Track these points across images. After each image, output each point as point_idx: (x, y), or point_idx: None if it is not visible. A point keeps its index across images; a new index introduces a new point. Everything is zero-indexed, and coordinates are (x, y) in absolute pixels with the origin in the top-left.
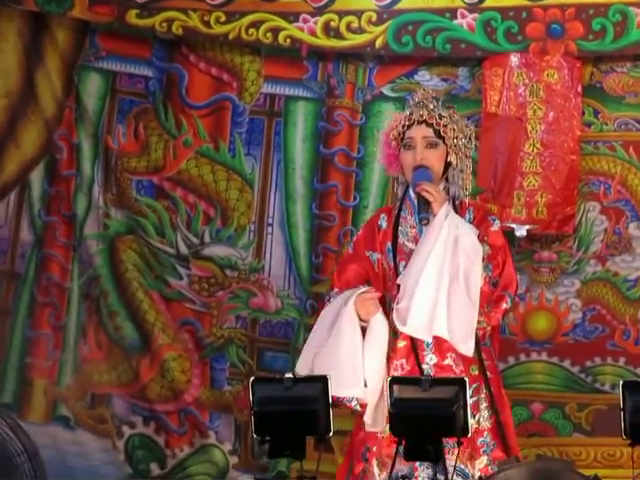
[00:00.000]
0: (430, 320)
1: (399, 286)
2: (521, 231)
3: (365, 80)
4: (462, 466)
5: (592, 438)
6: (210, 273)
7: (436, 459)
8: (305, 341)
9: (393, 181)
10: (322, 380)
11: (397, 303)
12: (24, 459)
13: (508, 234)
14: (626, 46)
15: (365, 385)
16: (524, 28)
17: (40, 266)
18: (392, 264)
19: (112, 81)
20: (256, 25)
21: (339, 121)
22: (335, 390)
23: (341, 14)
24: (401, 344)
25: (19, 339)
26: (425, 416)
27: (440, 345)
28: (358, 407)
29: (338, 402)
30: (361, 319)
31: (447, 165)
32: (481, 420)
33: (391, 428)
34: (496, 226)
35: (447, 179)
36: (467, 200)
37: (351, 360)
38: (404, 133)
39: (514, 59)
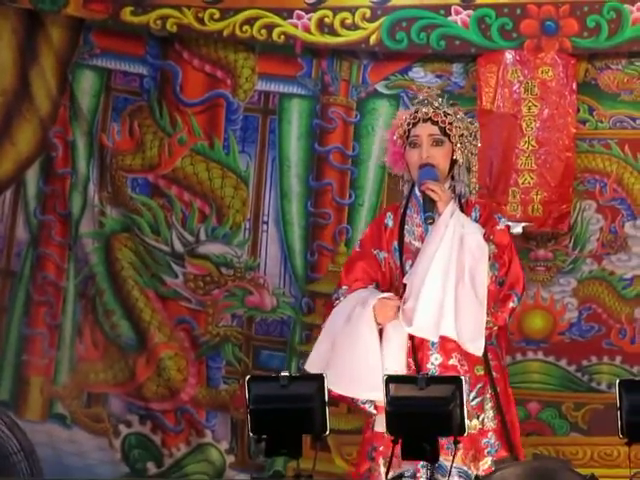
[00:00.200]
0: (437, 320)
1: (405, 285)
2: (517, 229)
3: (359, 77)
4: (465, 467)
5: (589, 437)
6: (205, 271)
7: (433, 458)
8: (301, 339)
9: (388, 179)
10: (318, 378)
11: (403, 303)
12: (20, 457)
13: None
14: (621, 43)
15: None
16: (518, 25)
17: (36, 265)
18: (398, 263)
19: (107, 79)
20: (250, 22)
21: (334, 118)
22: (353, 391)
23: (335, 10)
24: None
25: (15, 337)
26: (421, 415)
27: (445, 345)
28: (373, 409)
29: (352, 403)
30: (377, 322)
31: (453, 163)
32: (486, 420)
33: (388, 427)
34: (502, 224)
35: (453, 177)
36: (473, 198)
37: (370, 363)
38: (409, 131)
39: (508, 56)
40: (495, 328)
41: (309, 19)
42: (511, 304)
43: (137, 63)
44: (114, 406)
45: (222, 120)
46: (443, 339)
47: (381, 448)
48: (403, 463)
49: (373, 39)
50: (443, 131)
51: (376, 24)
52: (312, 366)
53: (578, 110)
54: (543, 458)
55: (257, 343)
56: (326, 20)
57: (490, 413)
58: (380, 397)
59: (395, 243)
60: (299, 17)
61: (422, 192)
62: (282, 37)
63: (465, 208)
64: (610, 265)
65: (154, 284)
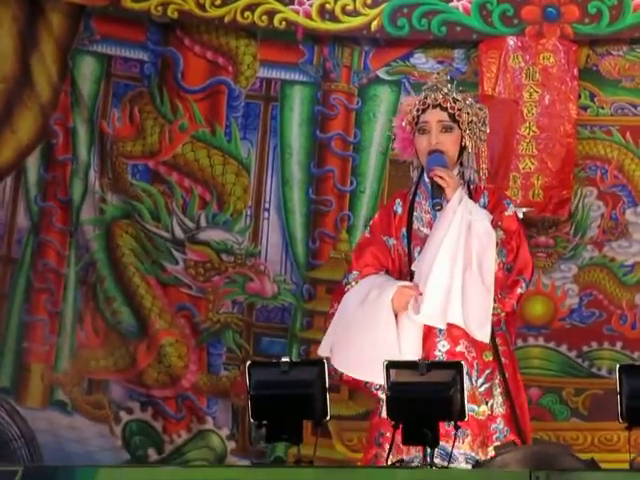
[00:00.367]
0: (444, 308)
1: (412, 272)
2: (517, 214)
3: (361, 63)
4: (473, 454)
5: (589, 423)
6: (206, 258)
7: (433, 443)
8: (302, 326)
9: (390, 165)
10: (319, 364)
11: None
12: (21, 444)
13: None
14: (622, 29)
15: None
16: (520, 11)
17: (36, 252)
18: (406, 250)
19: (107, 65)
20: (251, 8)
21: (335, 105)
22: (367, 375)
23: None
24: None
25: (16, 324)
26: (422, 400)
27: (452, 332)
28: (383, 395)
29: (362, 387)
30: (393, 309)
31: (462, 149)
32: (494, 406)
33: (388, 412)
34: (510, 210)
35: (462, 163)
36: (482, 184)
37: (386, 348)
38: (418, 117)
39: (510, 42)
40: (502, 314)
41: (310, 5)
42: (519, 290)
43: (138, 49)
44: (115, 393)
45: (223, 107)
46: (450, 326)
47: (388, 434)
48: (411, 449)
49: (374, 25)
50: (452, 117)
51: (377, 10)
52: (325, 350)
53: (579, 96)
54: (543, 443)
55: (258, 330)
56: (327, 6)
57: (499, 399)
58: None
59: (404, 230)
60: (300, 3)
61: (430, 179)
62: (283, 23)
63: (474, 194)
64: (611, 252)
65: (155, 271)
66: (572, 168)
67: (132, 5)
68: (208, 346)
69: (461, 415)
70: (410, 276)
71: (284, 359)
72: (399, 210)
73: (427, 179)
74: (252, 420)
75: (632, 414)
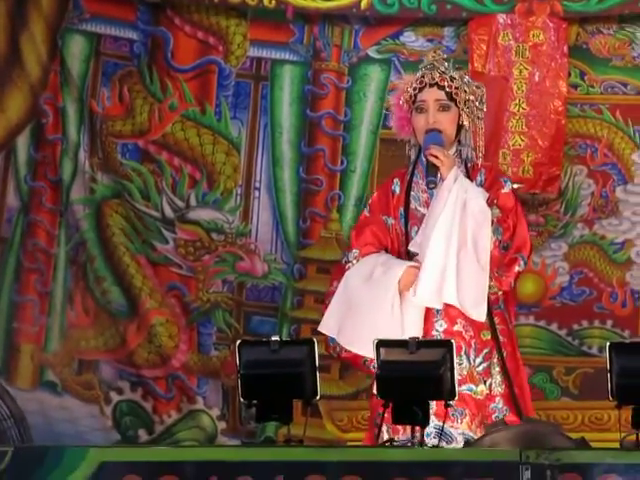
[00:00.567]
0: (439, 288)
1: (409, 252)
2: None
3: (351, 42)
4: (471, 433)
5: (579, 402)
6: (196, 237)
7: (423, 422)
8: (293, 305)
9: (380, 144)
10: (309, 343)
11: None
12: (11, 424)
13: None
14: (611, 7)
15: None
16: None
17: (26, 231)
18: (404, 229)
19: (97, 44)
20: None
21: (325, 84)
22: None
23: None
24: None
25: (5, 304)
26: (412, 379)
27: (449, 311)
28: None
29: (361, 365)
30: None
31: (460, 127)
32: (493, 385)
33: (378, 391)
34: (507, 188)
35: (460, 141)
36: (479, 162)
37: (391, 324)
38: (416, 96)
39: (500, 20)
40: (500, 293)
41: None
42: (517, 268)
43: (127, 28)
44: (105, 373)
45: (214, 86)
46: (447, 305)
47: (386, 415)
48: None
49: (364, 3)
50: (449, 96)
51: None
52: (326, 327)
53: (569, 75)
54: (533, 421)
55: (248, 309)
56: None
57: (498, 378)
58: None
59: (401, 209)
60: None
61: (426, 157)
62: (273, 2)
63: (471, 172)
64: (601, 229)
65: (145, 250)
66: (562, 145)
67: None
68: (198, 326)
69: (451, 394)
70: (407, 256)
71: (274, 338)
72: (397, 190)
73: (424, 158)
74: (242, 400)
75: (622, 392)
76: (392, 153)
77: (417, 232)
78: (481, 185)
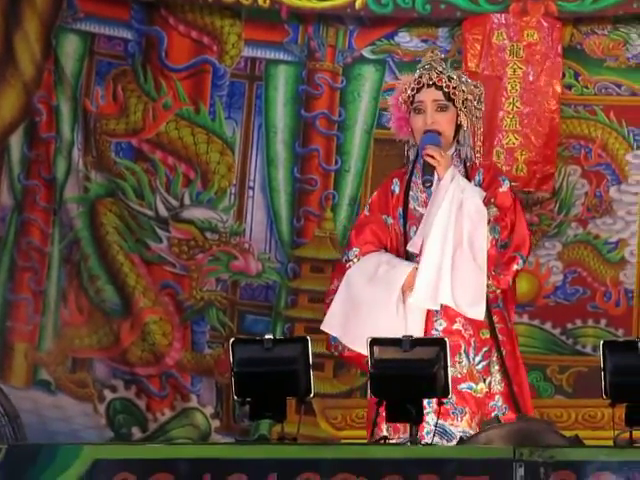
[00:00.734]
0: (434, 289)
1: (407, 252)
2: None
3: (345, 43)
4: (471, 431)
5: (573, 400)
6: (190, 236)
7: (417, 420)
8: (287, 304)
9: (374, 144)
10: (302, 341)
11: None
12: (4, 422)
13: None
14: (606, 7)
15: None
16: None
17: (20, 230)
18: (402, 230)
19: (90, 43)
20: None
21: (320, 84)
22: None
23: None
24: None
25: (0, 303)
26: (406, 377)
27: (448, 311)
28: None
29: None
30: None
31: (458, 127)
32: (493, 384)
33: (372, 389)
34: (505, 187)
35: (459, 141)
36: (478, 162)
37: (396, 329)
38: (414, 97)
39: (494, 20)
40: (498, 291)
41: None
42: (515, 267)
43: (121, 28)
44: (99, 371)
45: (208, 86)
46: (446, 305)
47: (384, 414)
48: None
49: (359, 3)
50: (447, 96)
51: None
52: (329, 326)
53: (564, 75)
54: (527, 419)
55: (242, 308)
56: None
57: (497, 376)
58: None
59: (400, 209)
60: None
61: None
62: (267, 2)
63: (470, 172)
64: (595, 229)
65: (139, 249)
66: (556, 144)
67: None
68: (192, 324)
69: (445, 392)
70: (406, 256)
71: (267, 336)
72: (396, 190)
73: (422, 159)
74: (236, 397)
75: (615, 390)
76: (386, 153)
77: (416, 232)
78: (479, 184)
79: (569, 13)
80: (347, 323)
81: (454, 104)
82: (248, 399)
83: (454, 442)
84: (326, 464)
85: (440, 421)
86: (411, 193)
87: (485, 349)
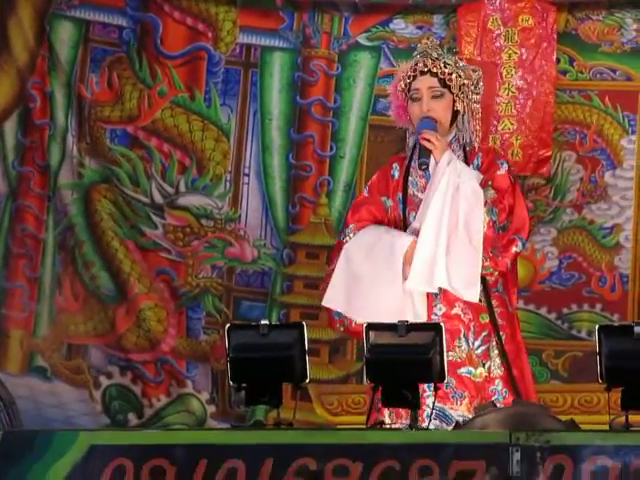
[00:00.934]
0: (430, 273)
1: None
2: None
3: (341, 29)
4: (470, 416)
5: (569, 385)
6: (185, 222)
7: (413, 404)
8: (282, 290)
9: (369, 131)
10: (298, 326)
11: None
12: (0, 409)
13: None
14: None
15: None
16: None
17: (15, 217)
18: (402, 215)
19: (85, 30)
20: None
21: (315, 71)
22: (380, 318)
23: None
24: None
25: None
26: (401, 362)
27: (447, 295)
28: None
29: None
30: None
31: (456, 113)
32: (492, 368)
33: (368, 374)
34: (503, 170)
35: (457, 127)
36: (477, 146)
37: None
38: (410, 85)
39: (489, 5)
40: (496, 273)
41: None
42: (514, 249)
43: (116, 15)
44: (94, 358)
45: (203, 73)
46: (445, 289)
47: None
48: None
49: None
50: (443, 82)
51: None
52: (331, 301)
53: (558, 61)
54: (523, 404)
55: (237, 294)
56: None
57: (496, 360)
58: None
59: (399, 194)
60: None
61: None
62: None
63: (469, 156)
64: (590, 214)
65: (134, 235)
66: (551, 127)
67: None
68: (187, 310)
69: (441, 377)
70: None
71: (263, 322)
72: (396, 174)
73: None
74: (231, 383)
75: (611, 374)
76: (381, 139)
77: (415, 217)
78: (477, 168)
79: None
80: (350, 296)
81: (450, 90)
82: (244, 385)
83: (429, 421)
84: (322, 449)
85: (440, 405)
86: (410, 179)
87: (484, 333)
